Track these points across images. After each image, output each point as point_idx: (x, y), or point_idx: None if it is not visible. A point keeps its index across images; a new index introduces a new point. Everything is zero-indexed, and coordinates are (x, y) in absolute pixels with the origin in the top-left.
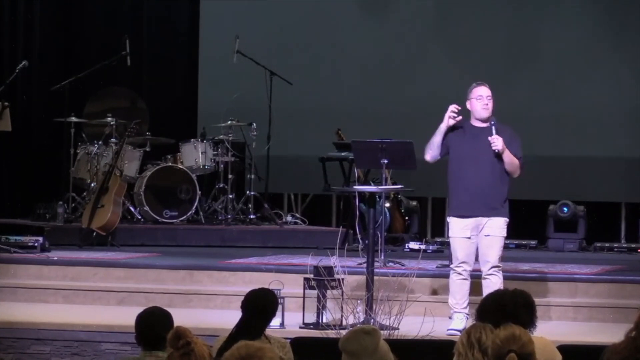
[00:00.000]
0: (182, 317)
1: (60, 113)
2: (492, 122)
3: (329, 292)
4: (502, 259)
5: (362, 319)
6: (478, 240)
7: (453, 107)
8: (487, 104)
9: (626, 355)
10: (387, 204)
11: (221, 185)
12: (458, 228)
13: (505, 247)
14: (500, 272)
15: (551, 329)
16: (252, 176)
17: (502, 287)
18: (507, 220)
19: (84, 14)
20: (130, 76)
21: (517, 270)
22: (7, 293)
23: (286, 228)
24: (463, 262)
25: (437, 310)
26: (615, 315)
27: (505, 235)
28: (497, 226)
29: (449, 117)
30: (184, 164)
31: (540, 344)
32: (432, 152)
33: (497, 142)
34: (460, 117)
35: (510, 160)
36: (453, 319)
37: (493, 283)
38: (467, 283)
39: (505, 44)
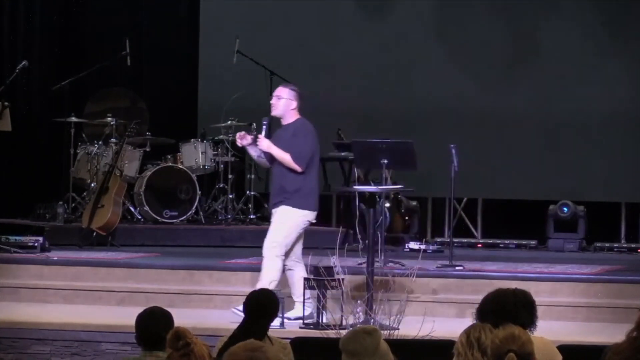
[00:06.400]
0: (182, 317)
1: (60, 113)
2: (265, 122)
3: (329, 292)
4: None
5: (362, 319)
6: None
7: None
8: (272, 103)
9: (627, 356)
10: (387, 204)
11: (221, 185)
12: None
13: (505, 247)
14: (273, 258)
15: (551, 329)
16: (252, 176)
17: (271, 273)
18: (291, 208)
19: (84, 14)
20: (130, 76)
21: (517, 270)
22: (8, 293)
23: None
24: None
25: (437, 310)
26: (615, 315)
27: (286, 222)
28: (278, 214)
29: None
30: (184, 164)
31: (540, 344)
32: (258, 161)
33: (259, 141)
34: (246, 140)
35: (278, 155)
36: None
37: (262, 266)
38: (291, 273)
39: (505, 44)
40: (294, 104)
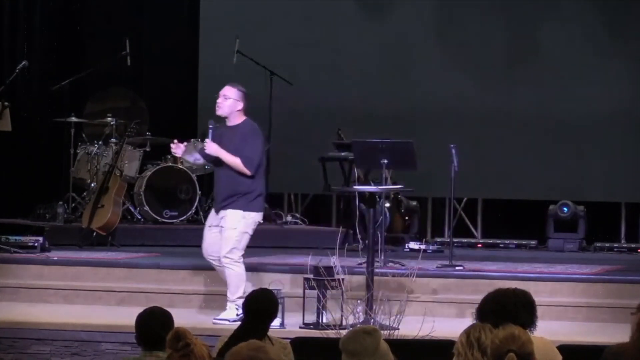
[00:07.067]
0: (182, 317)
1: (60, 113)
2: (210, 126)
3: (329, 292)
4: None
5: (362, 319)
6: None
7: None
8: (218, 102)
9: (629, 356)
10: (387, 204)
11: None
12: (209, 218)
13: (505, 247)
14: (233, 263)
15: (551, 329)
16: None
17: (237, 279)
18: (242, 212)
19: (84, 14)
20: (130, 76)
21: (517, 270)
22: (8, 293)
23: (286, 228)
24: (204, 251)
25: (437, 310)
26: (615, 315)
27: (238, 227)
28: (228, 219)
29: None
30: (184, 164)
31: (540, 344)
32: (196, 163)
33: (206, 146)
34: (180, 149)
35: (227, 159)
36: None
37: (227, 275)
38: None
39: (505, 44)
40: (241, 105)
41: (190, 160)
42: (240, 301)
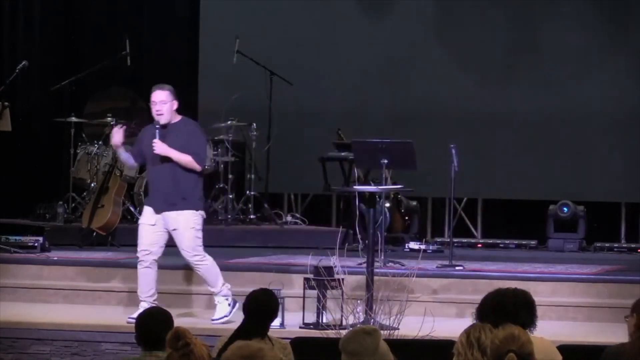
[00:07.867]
0: (183, 317)
1: (60, 113)
2: (157, 127)
3: (329, 292)
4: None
5: (362, 319)
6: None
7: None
8: (158, 110)
9: (629, 356)
10: (387, 204)
11: (221, 185)
12: (146, 215)
13: (505, 247)
14: (203, 260)
15: (551, 329)
16: (252, 176)
17: (212, 272)
18: (195, 211)
19: (84, 13)
20: (130, 76)
21: (517, 270)
22: (7, 293)
23: (286, 228)
24: (144, 250)
25: (437, 310)
26: (615, 315)
27: (195, 226)
28: (183, 220)
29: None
30: None
31: (540, 344)
32: (126, 162)
33: (155, 146)
34: (120, 134)
35: (178, 158)
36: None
37: (202, 272)
38: (151, 272)
39: (505, 44)
40: (176, 104)
41: (122, 157)
42: (226, 289)
